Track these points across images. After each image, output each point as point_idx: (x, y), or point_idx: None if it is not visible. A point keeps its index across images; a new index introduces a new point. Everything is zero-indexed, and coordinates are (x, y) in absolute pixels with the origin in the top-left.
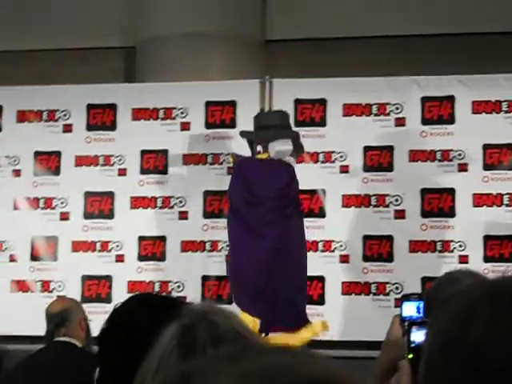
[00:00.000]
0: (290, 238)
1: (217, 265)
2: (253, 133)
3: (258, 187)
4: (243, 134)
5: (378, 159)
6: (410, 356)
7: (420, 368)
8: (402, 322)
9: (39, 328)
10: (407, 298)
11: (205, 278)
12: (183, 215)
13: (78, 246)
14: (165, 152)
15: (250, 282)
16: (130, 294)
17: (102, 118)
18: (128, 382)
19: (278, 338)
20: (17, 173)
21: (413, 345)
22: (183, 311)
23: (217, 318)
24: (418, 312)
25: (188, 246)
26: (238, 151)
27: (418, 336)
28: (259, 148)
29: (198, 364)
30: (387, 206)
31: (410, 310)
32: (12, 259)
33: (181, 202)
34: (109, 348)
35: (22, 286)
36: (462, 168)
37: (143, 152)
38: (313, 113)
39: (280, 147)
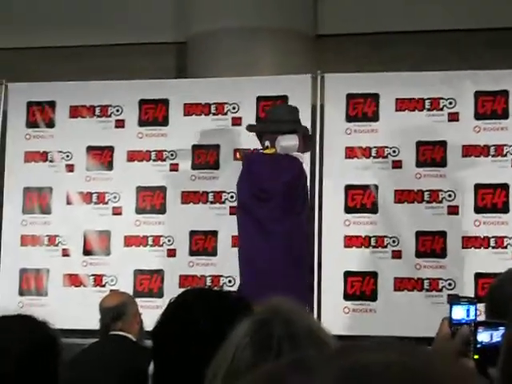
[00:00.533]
0: (298, 233)
1: None
2: (261, 125)
3: (265, 182)
4: (250, 127)
5: (431, 154)
6: (476, 357)
7: (500, 365)
8: (450, 324)
9: (91, 322)
10: (456, 301)
11: None
12: (234, 210)
13: (130, 241)
14: (216, 147)
15: (253, 278)
16: (182, 289)
17: (154, 113)
18: (183, 374)
19: None
20: (70, 168)
21: (479, 345)
22: (252, 307)
23: (291, 315)
24: (468, 315)
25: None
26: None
27: (484, 337)
28: (267, 143)
29: (303, 357)
30: (440, 202)
31: (460, 313)
32: (65, 253)
33: (232, 197)
34: (164, 341)
35: (74, 280)
36: None
37: (195, 147)
38: (365, 108)
39: (286, 142)
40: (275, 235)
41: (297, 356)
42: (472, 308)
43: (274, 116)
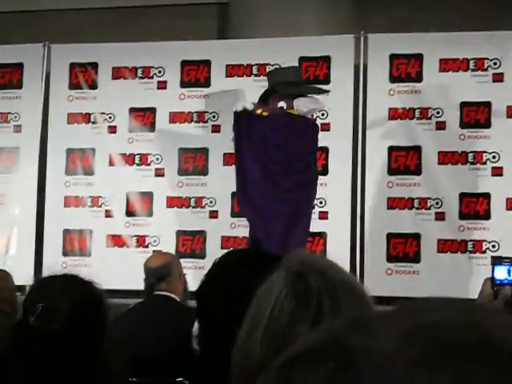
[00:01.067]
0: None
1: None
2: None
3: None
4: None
5: (475, 115)
6: None
7: None
8: (492, 284)
9: (135, 282)
10: (499, 261)
11: None
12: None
13: (172, 202)
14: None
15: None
16: (224, 250)
17: (195, 74)
18: (229, 334)
19: None
20: (112, 129)
21: None
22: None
23: (326, 268)
24: (510, 275)
25: None
26: (332, 107)
27: None
28: (282, 104)
29: (362, 316)
30: (484, 163)
31: (502, 273)
32: (108, 215)
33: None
34: (209, 301)
35: (117, 240)
36: None
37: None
38: (408, 68)
39: (314, 105)
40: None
41: (355, 315)
42: None
43: (288, 78)
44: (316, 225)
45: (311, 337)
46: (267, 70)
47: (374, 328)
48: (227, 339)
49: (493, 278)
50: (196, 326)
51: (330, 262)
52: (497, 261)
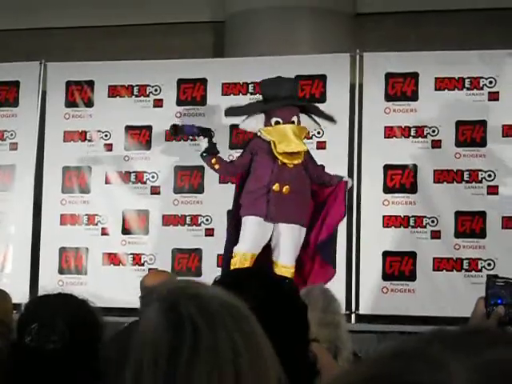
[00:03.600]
0: None
1: None
2: (241, 108)
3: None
4: (230, 111)
5: (471, 134)
6: None
7: None
8: (486, 304)
9: (130, 300)
10: (493, 282)
11: None
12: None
13: (168, 220)
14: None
15: None
16: (220, 268)
17: (192, 92)
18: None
19: None
20: (108, 147)
21: None
22: (295, 284)
23: (198, 291)
24: (505, 296)
25: None
26: (328, 126)
27: None
28: (278, 118)
29: (412, 345)
30: (480, 182)
31: (495, 294)
32: (104, 232)
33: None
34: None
35: (113, 258)
36: None
37: (232, 126)
38: (404, 87)
39: (314, 125)
40: None
41: (400, 347)
42: (508, 289)
43: (285, 92)
44: None
45: (361, 370)
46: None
47: (441, 360)
48: None
49: (486, 298)
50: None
51: (203, 284)
52: (490, 281)
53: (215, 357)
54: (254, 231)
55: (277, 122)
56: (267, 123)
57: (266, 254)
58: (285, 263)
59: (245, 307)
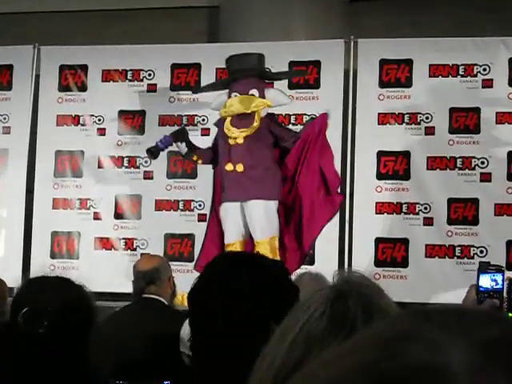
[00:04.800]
0: None
1: None
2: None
3: None
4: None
5: (465, 121)
6: (511, 315)
7: None
8: (477, 291)
9: (122, 285)
10: (484, 269)
11: None
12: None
13: (161, 205)
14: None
15: None
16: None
17: (185, 77)
18: (221, 339)
19: None
20: (101, 131)
21: None
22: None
23: (370, 293)
24: (496, 283)
25: None
26: (322, 112)
27: None
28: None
29: (398, 328)
30: (473, 169)
31: (487, 281)
32: (96, 217)
33: None
34: (201, 306)
35: (105, 243)
36: None
37: None
38: (398, 73)
39: (283, 100)
40: None
41: (409, 325)
42: (499, 276)
43: (251, 64)
44: None
45: (356, 351)
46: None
47: (437, 340)
48: (220, 344)
49: (478, 286)
50: (186, 329)
51: (377, 288)
52: (482, 268)
53: None
54: (225, 219)
55: (235, 97)
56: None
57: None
58: (258, 238)
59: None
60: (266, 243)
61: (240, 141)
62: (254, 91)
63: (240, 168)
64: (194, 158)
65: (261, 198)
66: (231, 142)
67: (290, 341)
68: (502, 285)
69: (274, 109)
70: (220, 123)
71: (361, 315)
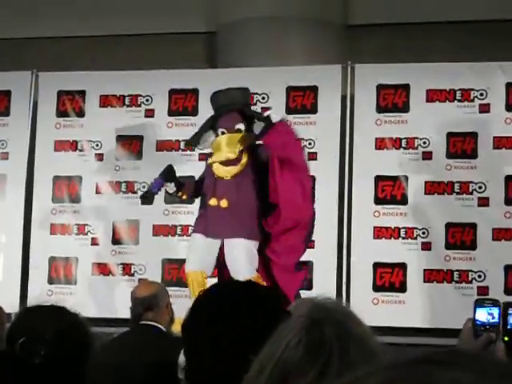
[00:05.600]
0: None
1: None
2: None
3: None
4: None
5: (462, 146)
6: (507, 338)
7: None
8: (474, 325)
9: (120, 310)
10: (481, 303)
11: None
12: None
13: (158, 230)
14: None
15: None
16: (210, 279)
17: (183, 103)
18: (214, 368)
19: None
20: (99, 157)
21: (509, 327)
22: (282, 297)
23: (346, 319)
24: (492, 317)
25: None
26: (319, 137)
27: None
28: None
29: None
30: (471, 194)
31: (484, 315)
32: (94, 242)
33: None
34: (194, 335)
35: (103, 269)
36: None
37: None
38: (395, 98)
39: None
40: None
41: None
42: (496, 310)
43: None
44: None
45: None
46: (254, 100)
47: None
48: (213, 372)
49: (474, 320)
50: (182, 356)
51: (350, 314)
52: (478, 302)
53: None
54: (196, 248)
55: (222, 133)
56: (216, 137)
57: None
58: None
59: (379, 347)
60: None
61: (228, 177)
62: (241, 125)
63: (224, 204)
64: (180, 194)
65: (243, 236)
66: (219, 176)
67: (269, 371)
68: (499, 318)
69: None
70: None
71: (337, 343)
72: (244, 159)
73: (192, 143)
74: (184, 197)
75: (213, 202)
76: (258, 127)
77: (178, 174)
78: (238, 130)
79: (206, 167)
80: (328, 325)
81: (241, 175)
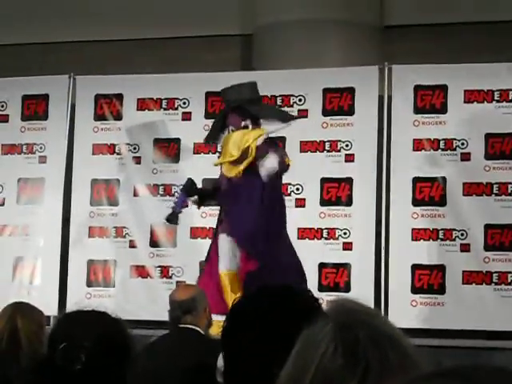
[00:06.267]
0: None
1: (333, 252)
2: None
3: None
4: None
5: (501, 147)
6: None
7: None
8: None
9: (158, 313)
10: None
11: (322, 265)
12: (300, 202)
13: (196, 233)
14: (281, 139)
15: None
16: None
17: (220, 105)
18: (253, 372)
19: None
20: (137, 160)
21: None
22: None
23: (372, 320)
24: None
25: (305, 234)
26: (356, 138)
27: None
28: (245, 123)
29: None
30: (510, 195)
31: None
32: (132, 245)
33: (297, 189)
34: (233, 338)
35: (141, 271)
36: None
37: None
38: (433, 99)
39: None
40: None
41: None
42: None
43: (246, 95)
44: (340, 256)
45: None
46: (291, 102)
47: None
48: (252, 376)
49: None
50: (221, 360)
51: (375, 312)
52: None
53: None
54: (223, 249)
55: (232, 130)
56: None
57: None
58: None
59: (407, 341)
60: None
61: (237, 175)
62: (247, 122)
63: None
64: (203, 205)
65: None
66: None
67: (308, 382)
68: None
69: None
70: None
71: (372, 346)
72: (250, 156)
73: (211, 139)
74: (213, 203)
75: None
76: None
77: (215, 176)
78: (245, 127)
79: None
80: (359, 328)
81: (246, 172)
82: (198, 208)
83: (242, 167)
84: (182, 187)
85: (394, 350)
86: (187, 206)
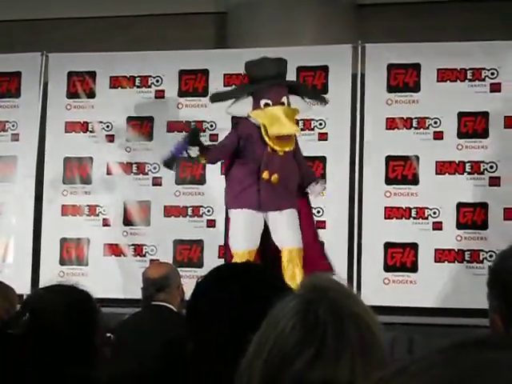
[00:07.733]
0: None
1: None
2: (227, 92)
3: None
4: (216, 96)
5: (473, 125)
6: None
7: None
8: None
9: (131, 291)
10: None
11: None
12: None
13: (170, 211)
14: None
15: None
16: (222, 259)
17: (193, 83)
18: (218, 351)
19: None
20: (110, 138)
21: None
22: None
23: (339, 297)
24: None
25: None
26: (330, 117)
27: None
28: (267, 100)
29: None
30: (482, 173)
31: None
32: (105, 223)
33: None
34: (197, 318)
35: (114, 249)
36: None
37: (234, 118)
38: (406, 78)
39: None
40: None
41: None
42: None
43: (270, 70)
44: None
45: None
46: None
47: None
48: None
49: None
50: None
51: (345, 290)
52: None
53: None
54: (245, 226)
55: (266, 104)
56: (256, 106)
57: (270, 245)
58: (291, 246)
59: (376, 324)
60: (300, 253)
61: (281, 153)
62: (285, 99)
63: (275, 179)
64: (201, 159)
65: (290, 207)
66: (272, 150)
67: (266, 355)
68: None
69: None
70: (248, 127)
71: (332, 322)
72: (294, 139)
73: (218, 98)
74: (203, 161)
75: (265, 175)
76: (296, 102)
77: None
78: (282, 103)
79: (246, 134)
80: (322, 305)
81: (290, 152)
82: (192, 158)
83: (291, 145)
84: (185, 136)
85: (356, 328)
86: (186, 154)
